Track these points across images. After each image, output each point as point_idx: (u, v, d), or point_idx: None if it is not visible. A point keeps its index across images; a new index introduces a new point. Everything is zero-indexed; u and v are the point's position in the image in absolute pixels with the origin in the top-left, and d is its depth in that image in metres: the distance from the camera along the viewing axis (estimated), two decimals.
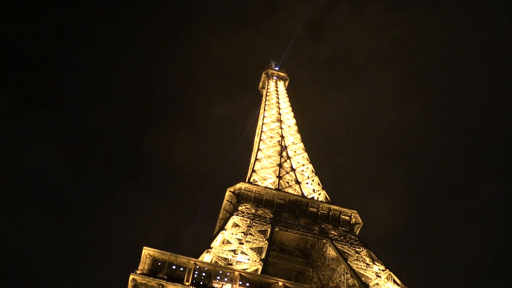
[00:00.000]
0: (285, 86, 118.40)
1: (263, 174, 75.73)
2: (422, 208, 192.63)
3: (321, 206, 69.25)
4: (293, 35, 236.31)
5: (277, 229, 62.27)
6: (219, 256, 51.31)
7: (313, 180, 78.04)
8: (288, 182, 75.21)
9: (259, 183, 72.32)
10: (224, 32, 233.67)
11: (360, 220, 69.22)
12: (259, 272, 49.78)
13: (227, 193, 67.76)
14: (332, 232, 64.90)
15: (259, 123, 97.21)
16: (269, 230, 60.04)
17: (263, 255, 53.67)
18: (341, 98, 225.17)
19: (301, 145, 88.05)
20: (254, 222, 60.75)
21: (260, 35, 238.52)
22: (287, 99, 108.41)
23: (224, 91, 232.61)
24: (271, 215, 64.68)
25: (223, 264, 49.55)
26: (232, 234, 56.60)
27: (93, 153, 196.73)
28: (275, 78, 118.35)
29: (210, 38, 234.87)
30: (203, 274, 45.55)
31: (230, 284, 45.33)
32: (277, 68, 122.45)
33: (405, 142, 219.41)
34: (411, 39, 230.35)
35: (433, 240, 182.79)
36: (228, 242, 54.87)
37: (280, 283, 45.67)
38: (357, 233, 68.12)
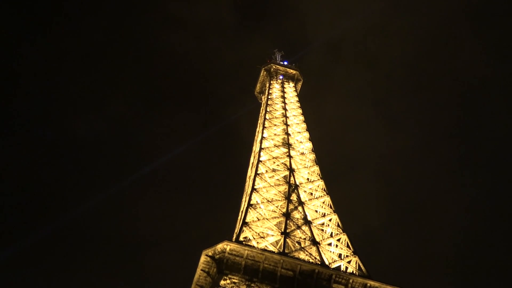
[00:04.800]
0: (296, 90, 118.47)
1: (260, 228, 74.01)
2: (398, 205, 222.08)
3: (352, 281, 67.65)
4: (217, 24, 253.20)
5: None
6: None
7: (339, 240, 76.40)
8: (299, 243, 73.51)
9: (253, 243, 70.54)
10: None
11: None
12: None
13: (203, 259, 65.99)
14: None
15: (255, 147, 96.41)
16: None
17: None
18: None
19: (321, 183, 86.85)
20: None
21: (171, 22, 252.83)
22: (300, 110, 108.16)
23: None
24: None
25: None
26: None
27: None
28: (281, 78, 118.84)
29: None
30: None
31: None
32: (285, 63, 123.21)
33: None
34: (401, 29, 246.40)
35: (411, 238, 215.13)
36: None
37: None
38: None
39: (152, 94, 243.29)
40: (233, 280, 64.05)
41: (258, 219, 75.66)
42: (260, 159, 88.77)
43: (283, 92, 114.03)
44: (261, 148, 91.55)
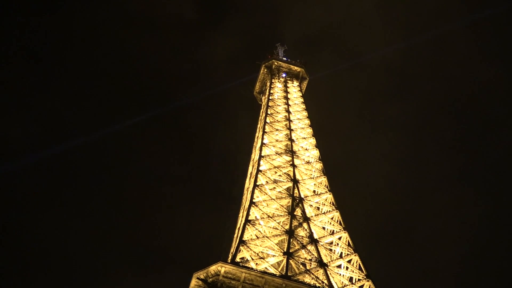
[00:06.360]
0: (301, 90, 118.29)
1: (260, 248, 73.48)
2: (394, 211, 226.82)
3: None
4: (178, 22, 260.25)
5: None
6: None
7: (349, 261, 75.94)
8: (304, 264, 73.30)
9: (251, 264, 70.09)
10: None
11: None
12: None
13: (194, 283, 65.99)
14: None
15: (254, 155, 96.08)
16: None
17: None
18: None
19: (329, 196, 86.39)
20: None
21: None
22: (305, 113, 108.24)
23: None
24: None
25: None
26: None
27: None
28: (283, 75, 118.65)
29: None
30: None
31: None
32: (288, 60, 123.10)
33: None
34: (389, 26, 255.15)
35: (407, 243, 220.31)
36: None
37: None
38: None
39: (108, 95, 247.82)
40: None
41: (257, 237, 75.08)
42: (260, 168, 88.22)
43: (286, 92, 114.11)
44: (260, 156, 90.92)
